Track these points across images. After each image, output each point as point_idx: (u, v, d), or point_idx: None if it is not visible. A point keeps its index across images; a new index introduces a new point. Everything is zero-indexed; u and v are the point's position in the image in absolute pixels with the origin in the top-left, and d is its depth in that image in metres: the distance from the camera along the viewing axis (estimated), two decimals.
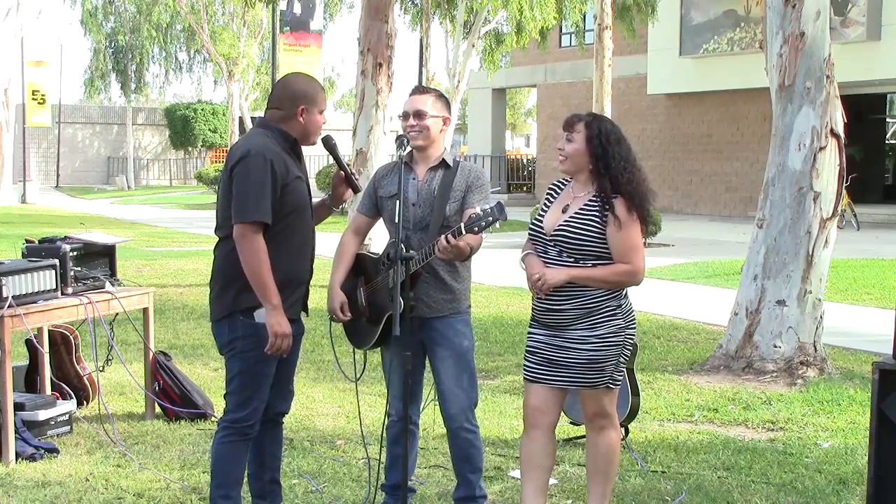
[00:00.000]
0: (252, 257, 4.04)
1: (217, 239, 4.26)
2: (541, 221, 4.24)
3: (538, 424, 4.28)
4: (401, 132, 4.50)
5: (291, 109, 4.21)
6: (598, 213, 4.11)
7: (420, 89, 4.55)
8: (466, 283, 4.52)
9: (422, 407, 4.77)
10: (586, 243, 4.10)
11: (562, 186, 4.33)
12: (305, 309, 4.39)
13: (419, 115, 4.42)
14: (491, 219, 4.03)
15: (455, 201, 4.40)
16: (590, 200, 4.16)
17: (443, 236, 4.11)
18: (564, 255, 4.13)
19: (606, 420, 4.28)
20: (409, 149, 4.42)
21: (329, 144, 4.44)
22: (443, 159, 4.47)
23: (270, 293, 4.05)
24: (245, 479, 4.40)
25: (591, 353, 4.12)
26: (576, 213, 4.15)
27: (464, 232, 4.07)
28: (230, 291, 4.16)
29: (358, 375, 4.68)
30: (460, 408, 4.48)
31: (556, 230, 4.15)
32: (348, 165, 4.44)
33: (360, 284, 4.56)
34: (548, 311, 4.17)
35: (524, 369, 4.31)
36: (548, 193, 4.37)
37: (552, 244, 4.16)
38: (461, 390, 4.47)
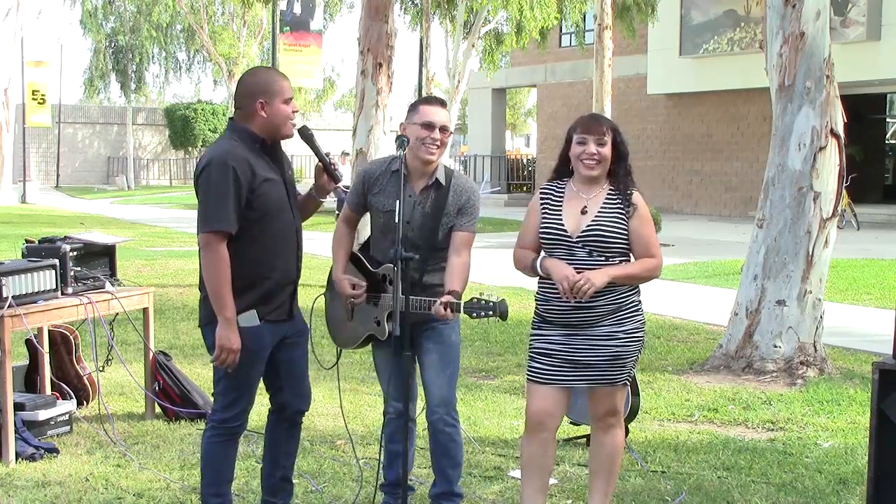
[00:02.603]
0: (211, 266, 4.02)
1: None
2: (560, 224, 4.18)
3: (546, 427, 4.27)
4: (401, 132, 4.47)
5: (251, 106, 4.13)
6: (620, 210, 4.16)
7: (440, 101, 4.52)
8: None
9: (422, 407, 4.76)
10: (616, 240, 4.14)
11: (559, 189, 4.29)
12: (293, 311, 4.33)
13: (446, 130, 4.38)
14: (491, 313, 4.08)
15: (445, 227, 4.39)
16: (608, 198, 4.19)
17: (440, 304, 4.11)
18: (595, 254, 4.13)
19: (616, 418, 4.32)
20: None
21: (305, 135, 4.35)
22: (436, 178, 4.42)
23: (224, 305, 4.02)
24: (258, 476, 4.40)
25: (618, 349, 4.16)
26: (600, 212, 4.17)
27: (461, 311, 4.09)
28: None
29: (332, 365, 4.75)
30: (442, 399, 4.47)
31: (585, 231, 4.14)
32: (327, 155, 4.36)
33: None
34: (575, 309, 4.14)
35: (533, 372, 4.26)
36: (544, 198, 4.29)
37: (580, 245, 4.14)
38: (443, 382, 4.46)
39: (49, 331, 6.48)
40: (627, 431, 5.83)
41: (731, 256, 15.27)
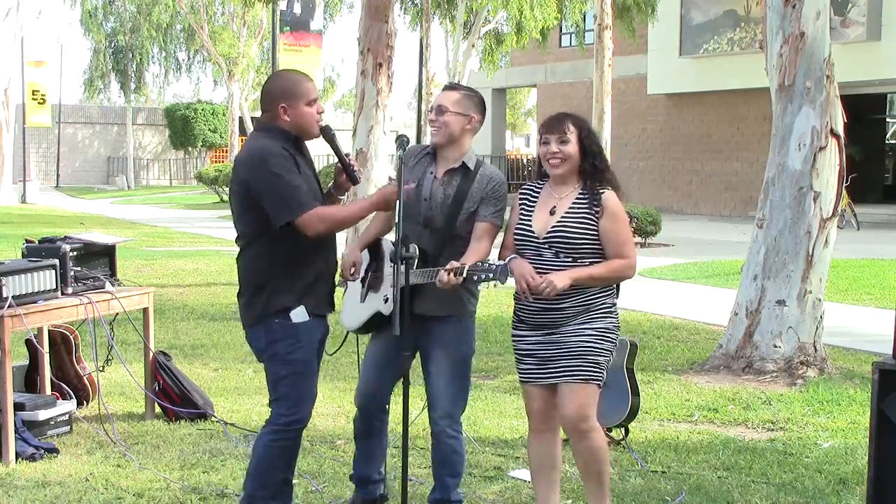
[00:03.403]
0: (336, 223, 4.14)
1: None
2: (528, 225, 4.19)
3: (546, 427, 4.27)
4: (401, 132, 4.49)
5: (274, 110, 4.18)
6: (588, 210, 4.10)
7: (450, 86, 4.53)
8: (474, 288, 4.44)
9: (423, 408, 4.77)
10: (583, 241, 4.08)
11: (536, 189, 4.29)
12: (332, 305, 4.37)
13: (439, 110, 4.37)
14: (492, 275, 4.02)
15: (466, 213, 4.35)
16: (577, 198, 4.14)
17: (444, 272, 4.09)
18: (562, 255, 4.10)
19: (587, 423, 4.16)
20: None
21: (328, 135, 4.34)
22: (463, 162, 4.40)
23: (361, 209, 4.22)
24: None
25: (587, 345, 4.09)
26: (567, 212, 4.13)
27: (465, 274, 4.06)
28: (262, 296, 4.15)
29: (334, 350, 4.68)
30: (445, 412, 4.46)
31: (550, 232, 4.12)
32: (346, 156, 4.40)
33: (370, 269, 4.55)
34: (543, 311, 4.14)
35: (521, 373, 4.28)
36: (522, 198, 4.30)
37: (546, 246, 4.12)
38: (450, 395, 4.45)
39: (49, 331, 6.48)
40: (627, 431, 5.84)
41: (731, 256, 15.27)
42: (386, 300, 4.36)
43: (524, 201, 4.28)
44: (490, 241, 4.35)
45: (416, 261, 4.22)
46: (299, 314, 4.13)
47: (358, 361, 4.71)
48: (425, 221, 4.37)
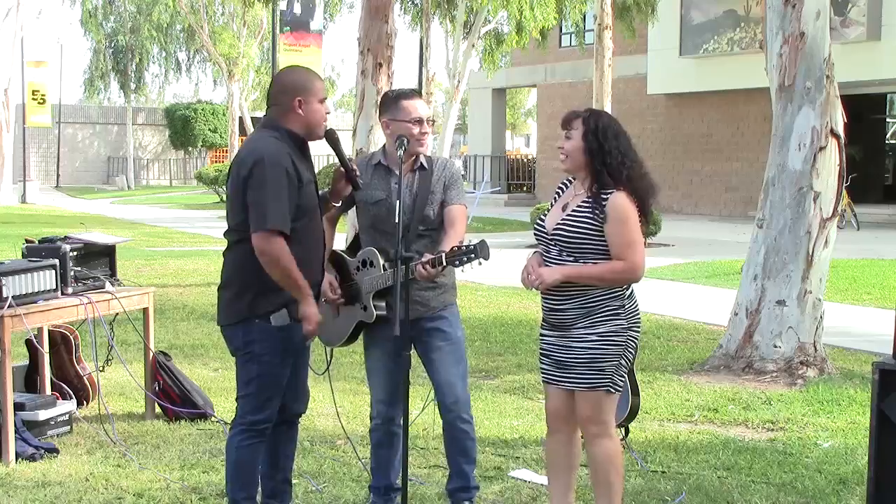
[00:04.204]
0: (279, 261, 4.01)
1: (223, 242, 4.25)
2: (543, 221, 4.24)
3: (560, 427, 4.26)
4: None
5: (288, 103, 4.13)
6: (590, 211, 4.07)
7: (418, 93, 4.57)
8: (452, 277, 4.56)
9: (423, 407, 4.78)
10: (583, 241, 4.07)
11: (567, 186, 4.32)
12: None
13: (431, 121, 4.47)
14: (473, 256, 4.03)
15: (434, 203, 4.42)
16: (587, 198, 4.12)
17: (420, 265, 4.11)
18: (564, 253, 4.10)
19: (599, 428, 4.15)
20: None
21: (332, 138, 4.32)
22: (421, 163, 4.49)
23: (304, 287, 4.07)
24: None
25: (591, 352, 4.07)
26: (573, 210, 4.13)
27: (444, 262, 4.08)
28: (246, 296, 4.13)
29: (324, 370, 4.79)
30: (457, 397, 4.52)
31: (554, 229, 4.14)
32: (350, 161, 4.38)
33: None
34: (552, 310, 4.17)
35: (540, 371, 4.31)
36: (555, 193, 4.37)
37: (552, 243, 4.14)
38: (459, 380, 4.51)
39: (49, 331, 6.48)
40: (627, 431, 5.83)
41: (731, 256, 15.26)
42: (365, 308, 4.39)
43: (553, 197, 4.35)
44: (464, 223, 4.42)
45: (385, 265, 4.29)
46: (280, 318, 4.11)
47: (328, 361, 4.77)
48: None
